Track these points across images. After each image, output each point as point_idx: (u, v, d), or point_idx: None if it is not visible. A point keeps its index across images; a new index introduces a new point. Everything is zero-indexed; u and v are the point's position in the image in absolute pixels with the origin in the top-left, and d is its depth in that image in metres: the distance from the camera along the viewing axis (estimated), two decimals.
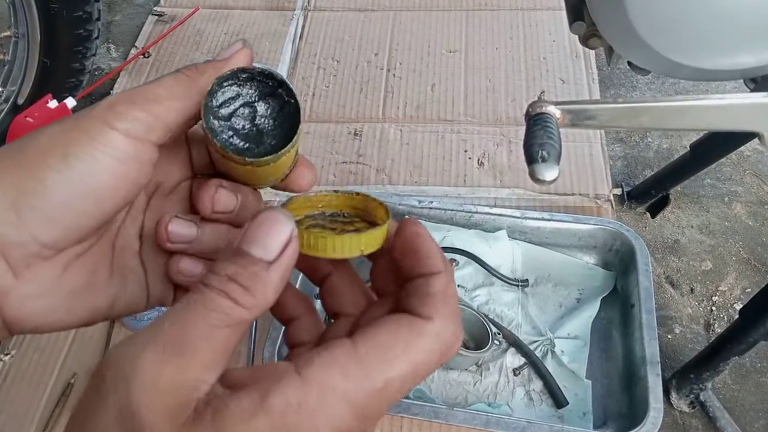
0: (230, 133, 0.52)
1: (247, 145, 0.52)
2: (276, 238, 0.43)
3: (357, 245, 0.48)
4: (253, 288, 0.42)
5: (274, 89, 0.52)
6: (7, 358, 1.49)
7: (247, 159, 0.50)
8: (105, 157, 0.46)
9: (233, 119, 0.52)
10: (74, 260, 0.50)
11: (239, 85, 0.52)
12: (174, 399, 0.38)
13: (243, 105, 0.52)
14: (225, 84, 0.51)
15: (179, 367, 0.39)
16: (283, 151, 0.50)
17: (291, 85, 0.52)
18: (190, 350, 0.39)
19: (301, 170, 0.57)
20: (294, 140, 0.51)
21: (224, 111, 0.52)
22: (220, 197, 0.53)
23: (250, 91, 0.52)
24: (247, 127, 0.52)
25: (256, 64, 0.52)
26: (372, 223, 0.53)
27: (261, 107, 0.53)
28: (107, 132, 0.46)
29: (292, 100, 0.52)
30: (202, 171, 0.58)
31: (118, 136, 0.46)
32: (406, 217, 0.50)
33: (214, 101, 0.51)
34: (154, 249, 0.55)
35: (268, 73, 0.51)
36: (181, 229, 0.53)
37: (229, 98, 0.52)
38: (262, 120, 0.53)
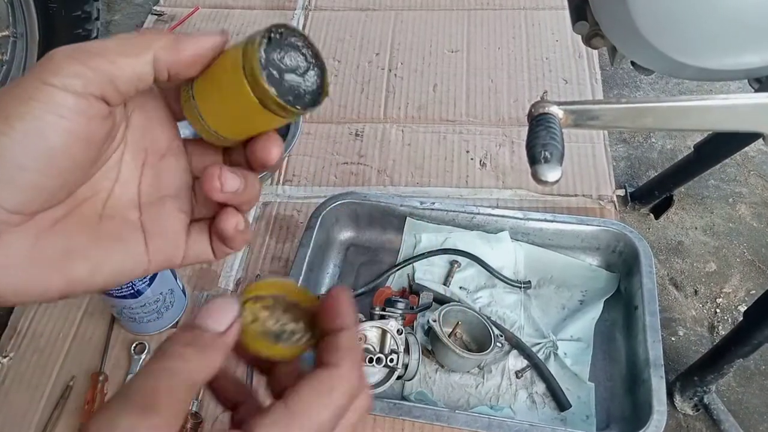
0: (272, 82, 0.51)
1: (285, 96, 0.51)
2: (225, 316, 0.51)
3: (282, 354, 0.55)
4: (207, 353, 0.49)
5: (302, 47, 0.52)
6: (5, 360, 1.49)
7: (297, 107, 0.51)
8: (45, 114, 0.46)
9: (274, 71, 0.51)
10: (48, 228, 0.50)
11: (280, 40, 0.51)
12: None
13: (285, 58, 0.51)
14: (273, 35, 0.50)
15: (150, 425, 0.43)
16: (321, 97, 0.53)
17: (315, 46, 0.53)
18: (157, 409, 0.44)
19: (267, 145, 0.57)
20: (325, 92, 0.54)
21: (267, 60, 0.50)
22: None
23: (292, 46, 0.52)
24: (286, 81, 0.51)
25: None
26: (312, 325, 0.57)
27: (299, 63, 0.52)
28: (44, 89, 0.46)
29: (319, 60, 0.53)
30: (187, 134, 0.58)
31: (56, 92, 0.46)
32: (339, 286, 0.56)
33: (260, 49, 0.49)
34: (163, 213, 0.57)
35: (298, 33, 0.52)
36: (232, 179, 0.54)
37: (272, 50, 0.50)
38: (294, 76, 0.52)
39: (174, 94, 0.56)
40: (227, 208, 0.57)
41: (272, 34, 0.50)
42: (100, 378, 1.44)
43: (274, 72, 0.50)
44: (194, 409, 1.37)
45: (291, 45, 0.51)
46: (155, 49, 0.50)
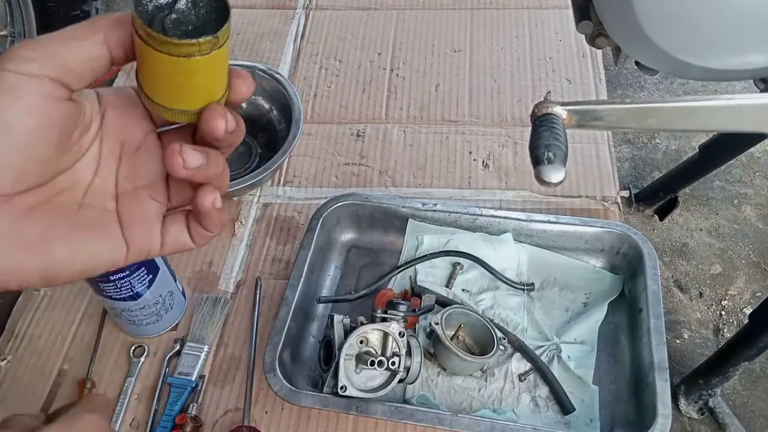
0: (160, 27, 0.53)
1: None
2: None
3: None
4: None
5: None
6: (3, 363, 1.50)
7: (189, 41, 0.51)
8: (3, 96, 0.49)
9: (160, 17, 0.53)
10: (24, 213, 0.53)
11: None
12: None
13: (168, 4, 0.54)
14: None
15: None
16: (222, 30, 0.52)
17: None
18: None
19: (237, 82, 0.59)
20: (226, 25, 0.53)
21: (152, 10, 0.53)
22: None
23: None
24: (177, 22, 0.54)
25: None
26: None
27: (185, 4, 0.54)
28: (2, 74, 0.50)
29: None
30: (162, 124, 0.62)
31: (10, 75, 0.49)
32: None
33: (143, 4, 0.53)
34: (137, 202, 0.60)
35: None
36: (193, 155, 0.56)
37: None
38: (191, 16, 0.54)
39: None
40: (204, 186, 0.59)
41: None
42: (87, 385, 1.44)
43: (156, 20, 0.53)
44: (194, 412, 1.37)
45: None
46: (103, 29, 0.53)
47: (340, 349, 1.28)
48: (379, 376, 1.31)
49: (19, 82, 0.50)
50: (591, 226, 1.54)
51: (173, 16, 0.53)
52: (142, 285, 1.37)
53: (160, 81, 0.55)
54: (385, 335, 1.32)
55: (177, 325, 1.53)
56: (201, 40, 0.51)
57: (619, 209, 1.72)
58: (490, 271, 1.54)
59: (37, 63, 0.50)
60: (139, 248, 0.60)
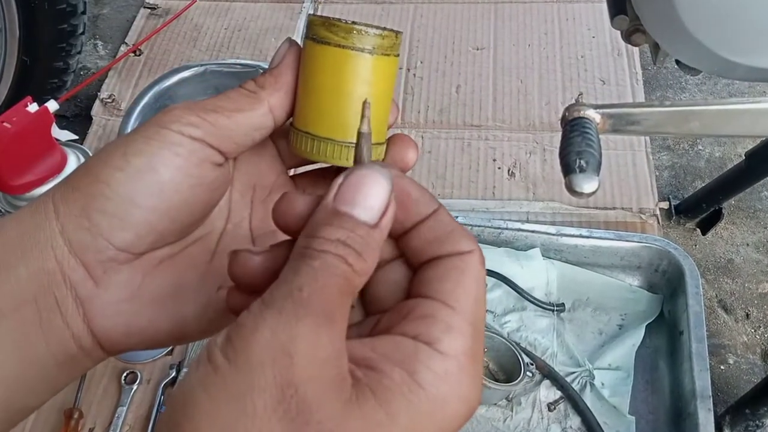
0: None
1: None
2: (377, 200, 0.45)
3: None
4: (366, 253, 0.44)
5: None
6: None
7: (376, 28, 0.54)
8: (161, 150, 0.51)
9: None
10: (155, 267, 0.55)
11: None
12: (334, 371, 0.40)
13: None
14: None
15: (332, 336, 0.41)
16: (399, 33, 0.55)
17: None
18: (335, 318, 0.42)
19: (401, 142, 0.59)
20: (399, 35, 0.55)
21: None
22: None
23: None
24: None
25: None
26: None
27: None
28: (163, 132, 0.52)
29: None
30: (292, 165, 0.64)
31: (172, 134, 0.52)
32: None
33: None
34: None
35: None
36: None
37: None
38: None
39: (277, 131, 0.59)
40: None
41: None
42: (74, 415, 1.44)
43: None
44: None
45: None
46: (267, 98, 0.55)
47: None
48: None
49: (179, 140, 0.52)
50: (627, 240, 1.54)
51: None
52: None
53: (330, 100, 0.55)
54: None
55: (173, 349, 1.53)
56: (385, 32, 0.54)
57: (658, 222, 1.72)
58: (516, 291, 1.54)
59: (200, 129, 0.52)
60: None
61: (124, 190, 0.51)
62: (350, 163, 0.56)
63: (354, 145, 0.54)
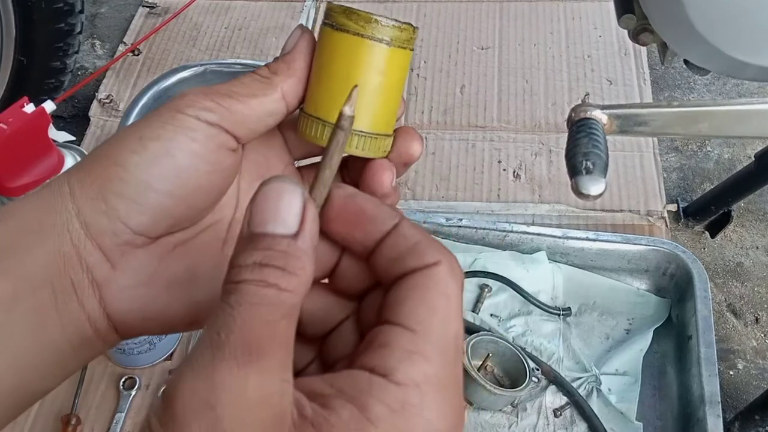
0: None
1: None
2: (291, 208, 0.43)
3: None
4: (291, 266, 0.41)
5: None
6: None
7: (395, 20, 0.55)
8: (177, 135, 0.53)
9: None
10: (171, 251, 0.57)
11: None
12: (268, 411, 0.39)
13: None
14: None
15: (261, 372, 0.39)
16: (416, 28, 0.56)
17: None
18: (262, 352, 0.39)
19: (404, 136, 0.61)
20: (416, 30, 0.57)
21: None
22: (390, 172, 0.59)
23: None
24: None
25: None
26: None
27: None
28: (179, 116, 0.53)
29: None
30: (299, 156, 0.65)
31: (188, 119, 0.53)
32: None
33: None
34: None
35: None
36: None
37: None
38: None
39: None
40: None
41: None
42: (72, 421, 1.44)
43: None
44: None
45: None
46: (280, 83, 0.57)
47: None
48: None
49: (195, 125, 0.53)
50: (634, 243, 1.54)
51: None
52: None
53: (342, 87, 0.56)
54: None
55: (172, 354, 1.53)
56: (403, 25, 0.55)
57: (666, 225, 1.72)
58: (521, 294, 1.54)
59: (216, 114, 0.54)
60: None
61: (141, 173, 0.52)
62: (354, 150, 0.57)
63: (362, 134, 0.56)
